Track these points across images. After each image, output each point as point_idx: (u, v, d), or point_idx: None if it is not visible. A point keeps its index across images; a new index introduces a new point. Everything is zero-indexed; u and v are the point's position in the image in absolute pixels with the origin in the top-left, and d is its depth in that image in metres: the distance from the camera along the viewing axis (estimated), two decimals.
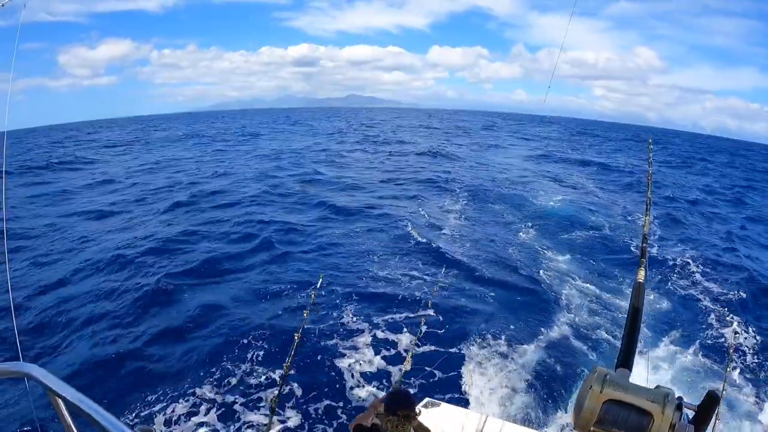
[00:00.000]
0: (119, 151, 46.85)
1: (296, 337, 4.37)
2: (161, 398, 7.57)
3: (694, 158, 55.50)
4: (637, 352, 1.48)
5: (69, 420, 1.47)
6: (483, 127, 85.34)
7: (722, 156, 69.06)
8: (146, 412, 7.21)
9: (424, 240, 15.40)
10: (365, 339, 9.32)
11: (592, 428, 1.20)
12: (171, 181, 26.49)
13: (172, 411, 7.27)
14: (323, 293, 10.79)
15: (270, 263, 13.45)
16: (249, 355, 8.74)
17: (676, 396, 1.19)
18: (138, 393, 7.70)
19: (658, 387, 1.26)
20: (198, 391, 7.73)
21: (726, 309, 11.48)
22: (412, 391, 5.52)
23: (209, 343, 9.24)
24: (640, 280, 1.69)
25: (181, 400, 7.48)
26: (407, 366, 4.70)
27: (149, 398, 7.57)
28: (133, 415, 7.13)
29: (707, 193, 29.29)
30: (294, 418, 7.14)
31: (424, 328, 7.67)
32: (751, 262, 15.52)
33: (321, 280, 5.34)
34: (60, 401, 1.39)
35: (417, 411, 3.04)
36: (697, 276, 13.74)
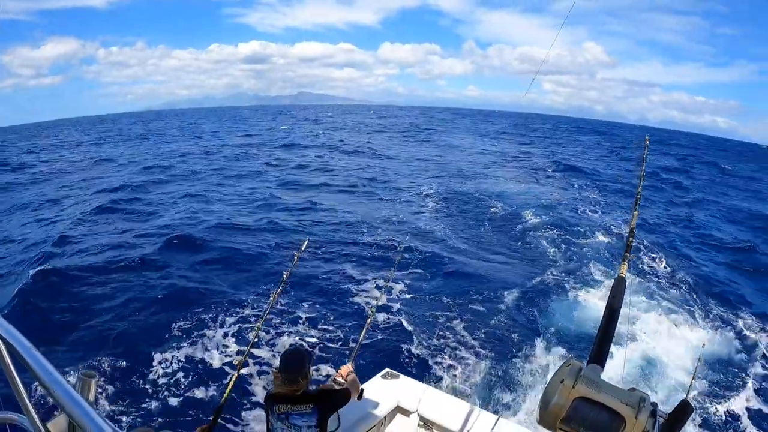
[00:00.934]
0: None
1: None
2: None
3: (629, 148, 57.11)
4: (610, 350, 1.35)
5: (10, 365, 1.21)
6: (429, 124, 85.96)
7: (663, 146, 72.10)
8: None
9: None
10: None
11: (558, 426, 1.13)
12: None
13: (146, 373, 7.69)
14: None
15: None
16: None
17: (651, 402, 1.11)
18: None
19: (633, 389, 1.17)
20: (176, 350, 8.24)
21: (700, 311, 11.18)
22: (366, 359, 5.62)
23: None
24: (622, 275, 1.63)
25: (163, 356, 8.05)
26: (362, 335, 4.43)
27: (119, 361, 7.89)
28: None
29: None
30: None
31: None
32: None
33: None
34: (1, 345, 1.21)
35: (303, 373, 3.02)
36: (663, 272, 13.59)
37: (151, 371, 7.75)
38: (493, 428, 4.33)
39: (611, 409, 1.08)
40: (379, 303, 5.10)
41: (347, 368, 3.54)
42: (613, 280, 1.62)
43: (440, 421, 4.62)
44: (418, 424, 4.77)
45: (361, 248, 14.03)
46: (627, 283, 1.60)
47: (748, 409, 7.71)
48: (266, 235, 15.04)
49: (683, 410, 1.15)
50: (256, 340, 4.27)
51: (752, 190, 32.74)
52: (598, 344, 1.38)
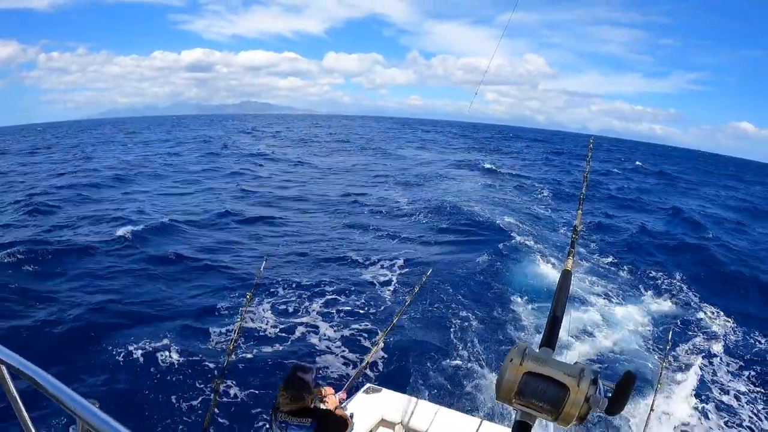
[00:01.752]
0: None
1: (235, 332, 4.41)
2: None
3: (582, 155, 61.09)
4: (560, 335, 1.52)
5: (11, 386, 1.49)
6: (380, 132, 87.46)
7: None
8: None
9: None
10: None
11: (513, 399, 1.24)
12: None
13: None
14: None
15: None
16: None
17: (593, 371, 1.23)
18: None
19: (576, 363, 1.27)
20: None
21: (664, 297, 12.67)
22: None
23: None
24: (568, 268, 1.76)
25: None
26: (370, 357, 4.74)
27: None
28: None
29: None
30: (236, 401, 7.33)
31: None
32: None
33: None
34: (2, 367, 1.43)
35: (308, 390, 3.11)
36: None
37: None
38: (477, 430, 4.43)
39: (556, 381, 1.21)
40: (388, 331, 5.05)
41: (337, 398, 3.58)
42: (559, 272, 1.73)
43: (426, 429, 4.74)
44: None
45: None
46: (572, 275, 1.75)
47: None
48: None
49: (627, 380, 1.21)
50: (231, 358, 4.12)
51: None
52: (548, 330, 1.51)
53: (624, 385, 1.24)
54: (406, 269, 13.15)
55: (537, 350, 1.36)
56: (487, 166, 38.44)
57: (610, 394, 1.25)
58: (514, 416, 1.30)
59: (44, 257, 12.72)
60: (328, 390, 3.56)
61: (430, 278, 6.03)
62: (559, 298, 1.62)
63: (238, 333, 4.37)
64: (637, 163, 60.01)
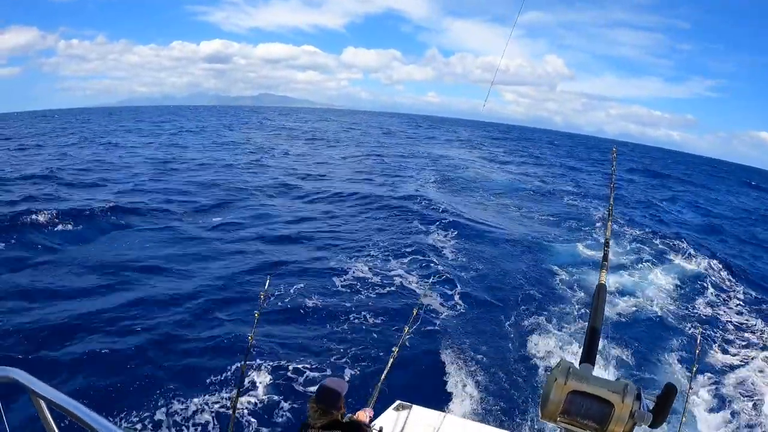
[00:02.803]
0: None
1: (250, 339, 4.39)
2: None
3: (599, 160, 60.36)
4: (600, 350, 1.61)
5: (51, 421, 1.57)
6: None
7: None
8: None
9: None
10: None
11: (558, 418, 1.26)
12: None
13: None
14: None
15: None
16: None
17: (636, 387, 1.25)
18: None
19: (618, 379, 1.30)
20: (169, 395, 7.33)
21: (692, 309, 12.42)
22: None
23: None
24: (602, 282, 1.76)
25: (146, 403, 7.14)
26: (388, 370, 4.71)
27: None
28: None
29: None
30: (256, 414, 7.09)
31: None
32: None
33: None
34: (42, 402, 1.50)
35: (337, 406, 3.10)
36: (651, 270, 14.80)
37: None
38: None
39: (601, 398, 1.23)
40: (405, 339, 5.07)
41: (366, 414, 3.61)
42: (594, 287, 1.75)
43: None
44: None
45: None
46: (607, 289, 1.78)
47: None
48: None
49: (668, 392, 1.27)
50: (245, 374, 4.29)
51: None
52: (587, 346, 1.53)
53: (665, 397, 1.27)
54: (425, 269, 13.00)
55: (578, 367, 1.37)
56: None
57: (651, 407, 1.27)
58: None
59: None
60: (360, 413, 3.61)
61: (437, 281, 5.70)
62: (597, 312, 1.63)
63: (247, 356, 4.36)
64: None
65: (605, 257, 1.93)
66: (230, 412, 4.51)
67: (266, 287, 4.56)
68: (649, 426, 1.26)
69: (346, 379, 7.81)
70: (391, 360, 4.73)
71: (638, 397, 1.22)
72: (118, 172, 25.92)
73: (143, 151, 36.39)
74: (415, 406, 5.15)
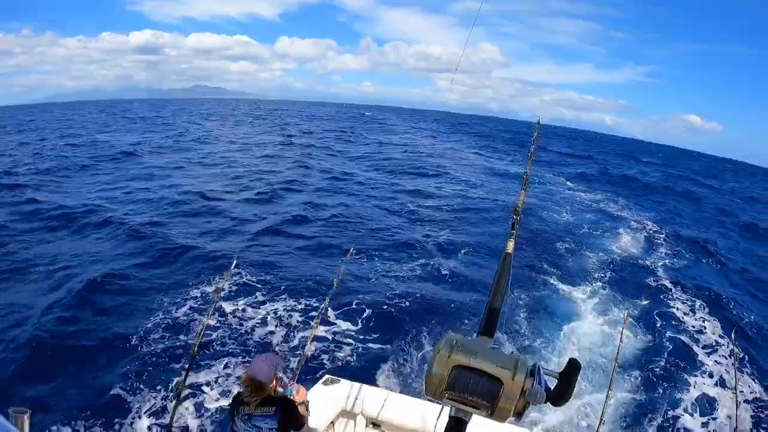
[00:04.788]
0: None
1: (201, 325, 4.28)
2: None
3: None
4: (503, 323, 1.53)
5: None
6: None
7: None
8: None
9: None
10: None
11: (444, 394, 1.19)
12: None
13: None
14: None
15: None
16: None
17: (531, 362, 1.20)
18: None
19: (512, 353, 1.25)
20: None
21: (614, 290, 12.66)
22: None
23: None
24: (509, 251, 1.67)
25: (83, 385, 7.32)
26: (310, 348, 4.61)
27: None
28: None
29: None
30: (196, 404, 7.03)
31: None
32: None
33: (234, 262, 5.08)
34: None
35: (271, 380, 3.12)
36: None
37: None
38: (438, 417, 4.54)
39: (489, 374, 1.15)
40: (322, 315, 4.98)
41: (304, 394, 3.43)
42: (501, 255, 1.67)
43: (387, 418, 4.71)
44: (366, 425, 4.84)
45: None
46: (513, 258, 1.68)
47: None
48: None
49: (571, 368, 1.24)
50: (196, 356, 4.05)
51: None
52: (485, 317, 1.45)
53: (568, 373, 1.23)
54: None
55: (475, 338, 1.33)
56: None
57: (554, 382, 1.23)
58: (448, 411, 1.25)
59: None
60: (302, 394, 3.42)
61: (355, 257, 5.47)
62: (499, 283, 1.55)
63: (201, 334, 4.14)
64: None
65: (513, 226, 1.84)
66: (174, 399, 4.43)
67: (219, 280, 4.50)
68: (552, 404, 1.22)
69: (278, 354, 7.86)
70: (312, 334, 4.65)
71: (532, 374, 1.16)
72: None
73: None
74: (343, 380, 5.14)
